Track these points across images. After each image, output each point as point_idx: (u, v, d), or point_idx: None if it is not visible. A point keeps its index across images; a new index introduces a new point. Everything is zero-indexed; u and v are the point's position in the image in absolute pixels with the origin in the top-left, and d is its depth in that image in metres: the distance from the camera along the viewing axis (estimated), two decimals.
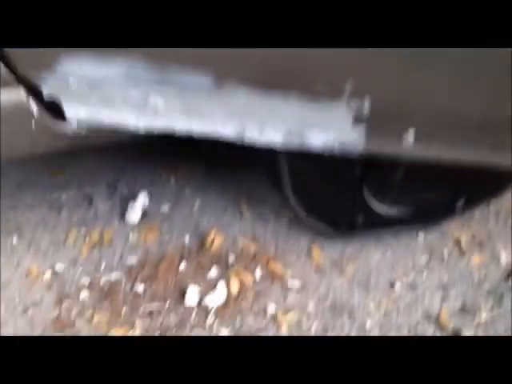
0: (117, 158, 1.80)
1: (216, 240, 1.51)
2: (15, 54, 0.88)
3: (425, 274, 1.50)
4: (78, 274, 1.42)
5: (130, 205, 1.57)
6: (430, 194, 1.43)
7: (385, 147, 0.95)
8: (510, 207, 1.69)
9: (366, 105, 0.85)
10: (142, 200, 1.59)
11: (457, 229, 1.61)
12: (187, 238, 1.53)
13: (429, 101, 0.83)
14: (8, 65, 0.89)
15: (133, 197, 1.62)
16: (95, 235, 1.52)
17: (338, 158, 1.29)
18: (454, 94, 0.81)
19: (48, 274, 1.42)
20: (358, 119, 0.89)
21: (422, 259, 1.53)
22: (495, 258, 1.54)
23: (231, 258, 1.47)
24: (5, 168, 1.73)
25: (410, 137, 0.91)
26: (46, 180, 1.70)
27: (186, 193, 1.68)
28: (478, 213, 1.67)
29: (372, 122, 0.90)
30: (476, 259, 1.53)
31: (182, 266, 1.44)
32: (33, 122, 1.01)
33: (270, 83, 0.84)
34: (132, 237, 1.52)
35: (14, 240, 1.50)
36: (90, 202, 1.63)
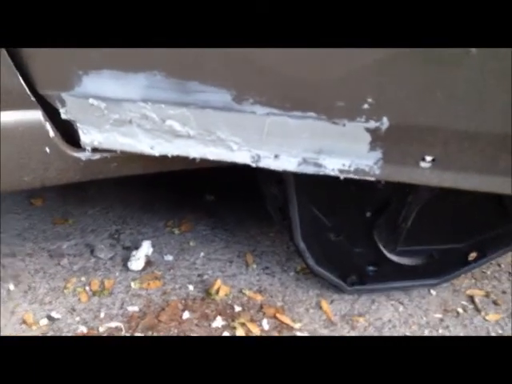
0: (120, 210, 1.78)
1: (221, 291, 1.46)
2: (37, 72, 0.89)
3: (440, 330, 1.42)
4: (75, 322, 1.35)
5: (133, 253, 1.53)
6: (441, 245, 1.40)
7: (401, 173, 0.93)
8: None
9: (385, 125, 0.85)
10: (145, 249, 1.54)
11: (470, 286, 1.57)
12: (191, 288, 1.47)
13: (449, 120, 0.82)
14: (29, 83, 0.90)
15: (136, 247, 1.58)
16: (96, 283, 1.46)
17: (348, 206, 1.30)
18: (474, 112, 0.80)
19: (44, 322, 1.34)
20: (374, 142, 0.89)
21: (436, 316, 1.47)
22: None
23: (237, 309, 1.41)
24: (5, 216, 1.70)
25: (427, 162, 0.91)
26: (47, 229, 1.67)
27: (191, 244, 1.64)
28: (490, 270, 1.63)
29: (389, 146, 0.89)
30: (492, 316, 1.47)
31: (186, 315, 1.37)
32: (47, 147, 1.00)
33: (289, 101, 0.84)
34: (134, 285, 1.46)
35: (11, 287, 1.44)
36: (92, 251, 1.59)
